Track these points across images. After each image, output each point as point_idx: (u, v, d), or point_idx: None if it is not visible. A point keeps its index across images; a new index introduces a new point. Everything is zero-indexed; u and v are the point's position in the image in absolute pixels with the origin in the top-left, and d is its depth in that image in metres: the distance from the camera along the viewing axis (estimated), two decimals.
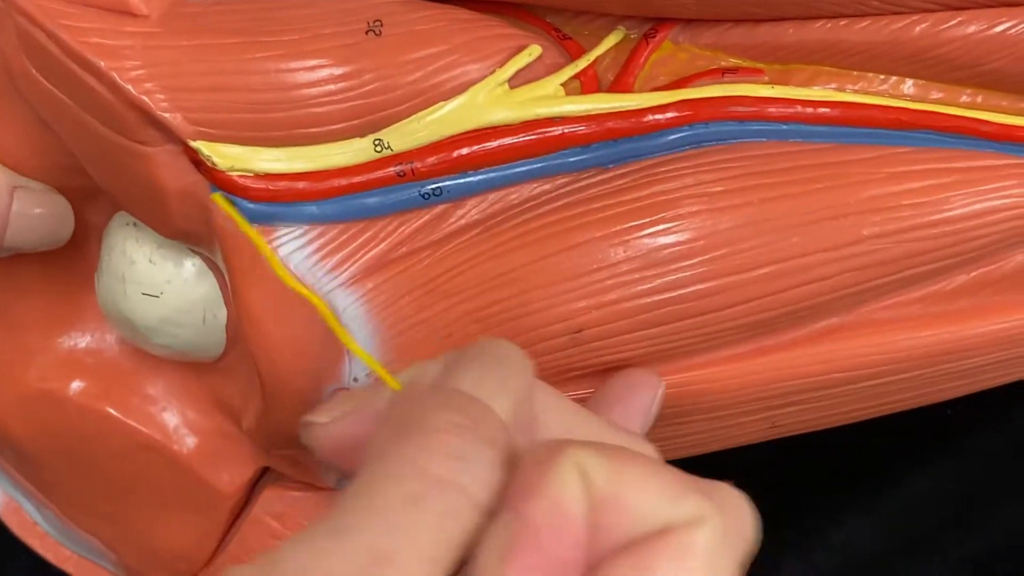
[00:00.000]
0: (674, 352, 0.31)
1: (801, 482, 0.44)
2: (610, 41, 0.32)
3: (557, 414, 0.26)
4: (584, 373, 0.31)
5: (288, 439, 0.34)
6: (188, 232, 0.32)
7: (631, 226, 0.30)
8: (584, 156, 0.31)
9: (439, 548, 0.23)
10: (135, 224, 0.35)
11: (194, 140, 0.30)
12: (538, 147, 0.31)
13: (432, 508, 0.23)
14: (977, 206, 0.31)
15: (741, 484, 0.44)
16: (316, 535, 0.23)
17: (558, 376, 0.31)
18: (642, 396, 0.31)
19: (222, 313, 0.35)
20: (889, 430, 0.43)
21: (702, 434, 0.33)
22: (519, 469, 0.23)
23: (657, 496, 0.23)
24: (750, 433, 0.34)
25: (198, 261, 0.35)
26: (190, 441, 0.39)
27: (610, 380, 0.31)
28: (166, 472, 0.39)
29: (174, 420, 0.39)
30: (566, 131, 0.31)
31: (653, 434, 0.33)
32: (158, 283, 0.35)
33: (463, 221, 0.31)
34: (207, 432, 0.39)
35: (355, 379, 0.31)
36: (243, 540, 0.40)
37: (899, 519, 0.44)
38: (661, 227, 0.30)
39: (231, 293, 0.32)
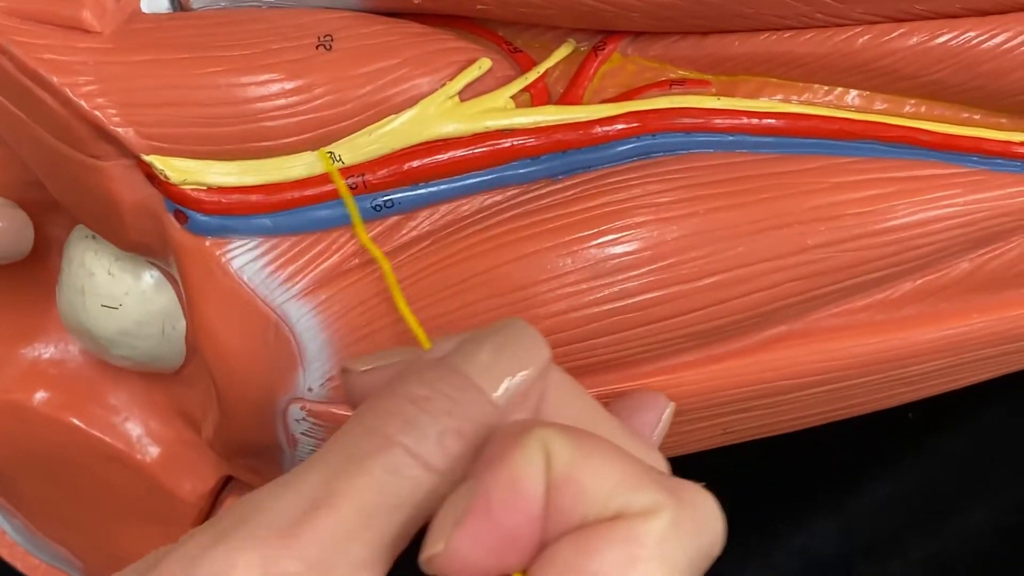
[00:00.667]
0: (625, 361, 0.32)
1: (764, 486, 0.45)
2: (560, 54, 0.33)
3: (568, 403, 0.27)
4: None
5: (246, 449, 0.34)
6: (144, 245, 0.33)
7: (580, 236, 0.31)
8: (534, 168, 0.31)
9: (378, 502, 0.23)
10: (94, 237, 0.35)
11: (147, 154, 0.30)
12: (488, 159, 0.31)
13: (375, 464, 0.24)
14: (920, 215, 0.31)
15: (704, 486, 0.44)
16: (274, 484, 0.24)
17: None
18: (649, 415, 0.31)
19: (181, 324, 0.36)
20: (851, 434, 0.44)
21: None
22: (490, 442, 0.24)
23: (616, 483, 0.23)
24: (704, 439, 0.34)
25: (156, 273, 0.35)
26: (153, 451, 0.39)
27: (618, 400, 0.32)
28: (130, 481, 0.39)
29: (137, 430, 0.39)
30: (515, 143, 0.31)
31: None
32: (117, 295, 0.35)
33: (415, 233, 0.31)
34: (169, 442, 0.39)
35: (309, 389, 0.32)
36: None
37: (861, 522, 0.44)
38: (609, 237, 0.30)
39: (186, 305, 0.32)
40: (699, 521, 0.24)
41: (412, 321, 0.29)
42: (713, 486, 0.44)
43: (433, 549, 0.23)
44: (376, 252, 0.30)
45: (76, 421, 0.39)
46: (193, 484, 0.39)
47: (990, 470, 0.45)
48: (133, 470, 0.39)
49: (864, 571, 0.44)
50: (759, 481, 0.45)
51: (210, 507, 0.40)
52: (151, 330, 0.36)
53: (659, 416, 0.31)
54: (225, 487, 0.40)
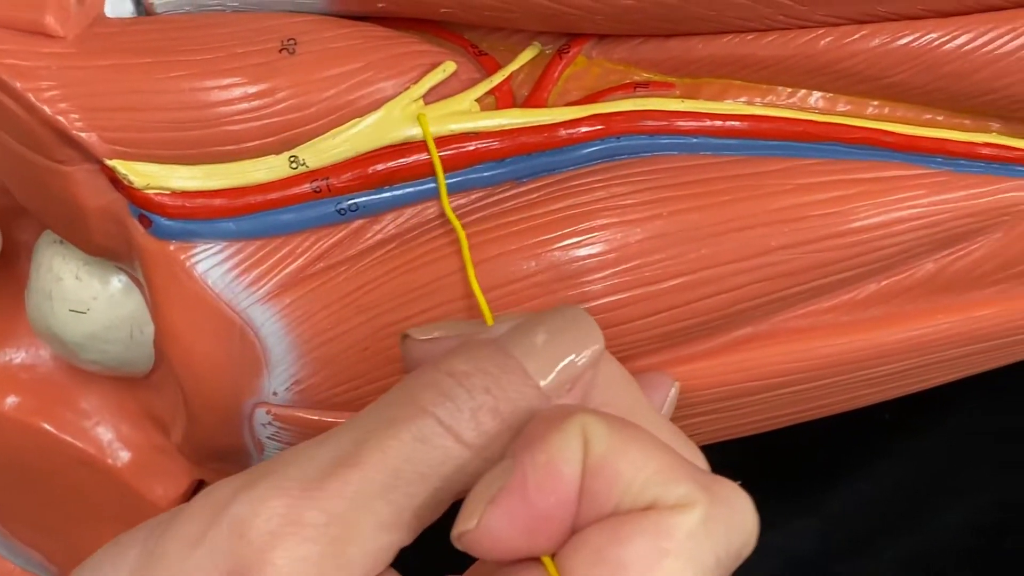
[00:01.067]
0: None
1: (741, 486, 0.45)
2: (525, 56, 0.33)
3: (616, 393, 0.27)
4: None
5: (214, 453, 0.34)
6: (110, 249, 0.33)
7: (544, 239, 0.31)
8: (498, 171, 0.31)
9: (405, 467, 0.24)
10: (62, 242, 0.35)
11: (110, 159, 0.30)
12: (453, 162, 0.31)
13: (406, 430, 0.24)
14: (884, 216, 0.31)
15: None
16: (307, 442, 0.25)
17: None
18: (655, 395, 0.31)
19: (149, 329, 0.36)
20: (828, 435, 0.44)
21: None
22: (529, 424, 0.24)
23: (652, 475, 0.24)
24: None
25: (124, 278, 0.35)
26: (124, 455, 0.39)
27: None
28: (101, 486, 0.39)
29: (108, 435, 0.39)
30: (480, 146, 0.31)
31: None
32: (84, 300, 0.35)
33: (380, 236, 0.31)
34: (141, 446, 0.39)
35: (274, 393, 0.32)
36: None
37: (838, 522, 0.44)
38: (573, 240, 0.31)
39: (152, 311, 0.32)
40: (732, 519, 0.25)
41: (480, 297, 0.29)
42: None
43: (466, 525, 0.23)
44: (456, 224, 0.30)
45: (47, 426, 0.39)
46: (165, 488, 0.39)
47: (966, 469, 0.45)
48: (104, 475, 0.39)
49: (842, 571, 0.44)
50: (734, 479, 0.45)
51: None
52: (119, 334, 0.36)
53: (665, 395, 0.31)
54: (197, 492, 0.40)
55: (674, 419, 0.34)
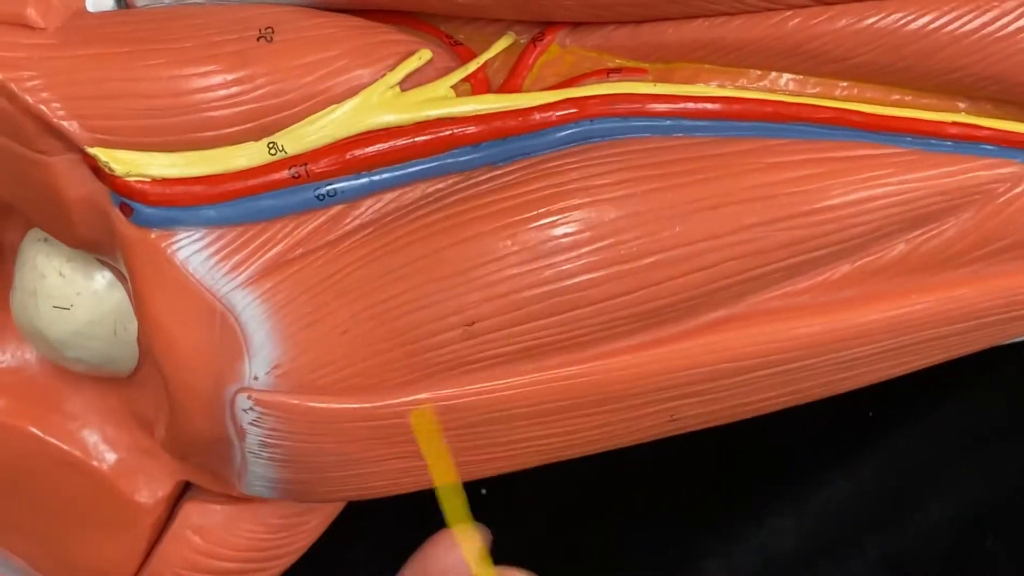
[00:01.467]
0: (567, 343, 0.32)
1: (722, 483, 0.45)
2: (500, 45, 0.33)
3: None
4: (482, 366, 0.32)
5: (197, 444, 0.34)
6: (93, 241, 0.33)
7: (519, 219, 0.31)
8: (475, 155, 0.32)
9: None
10: (46, 240, 0.36)
11: (91, 147, 0.31)
12: (430, 147, 0.32)
13: None
14: (854, 195, 0.32)
15: (663, 486, 0.44)
16: None
17: (456, 369, 0.32)
18: (449, 557, 0.32)
19: (133, 325, 0.36)
20: (810, 432, 0.44)
21: (603, 428, 0.34)
22: None
23: None
24: (650, 427, 0.35)
25: (108, 274, 0.35)
26: (109, 457, 0.39)
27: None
28: (87, 489, 0.39)
29: (94, 437, 0.39)
30: (456, 131, 0.32)
31: (554, 428, 0.34)
32: (68, 296, 0.36)
33: (359, 221, 0.32)
34: (126, 448, 0.39)
35: (255, 377, 0.32)
36: (164, 555, 0.40)
37: (820, 519, 0.44)
38: (548, 220, 0.31)
39: (133, 299, 0.33)
40: None
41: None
42: (674, 485, 0.45)
43: None
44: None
45: (33, 429, 0.39)
46: (151, 490, 0.39)
47: (948, 468, 0.45)
48: (90, 477, 0.39)
49: (824, 569, 0.44)
50: (718, 480, 0.45)
51: (167, 513, 0.40)
52: (103, 330, 0.36)
53: (459, 553, 0.32)
54: (184, 494, 0.40)
55: (652, 403, 0.34)
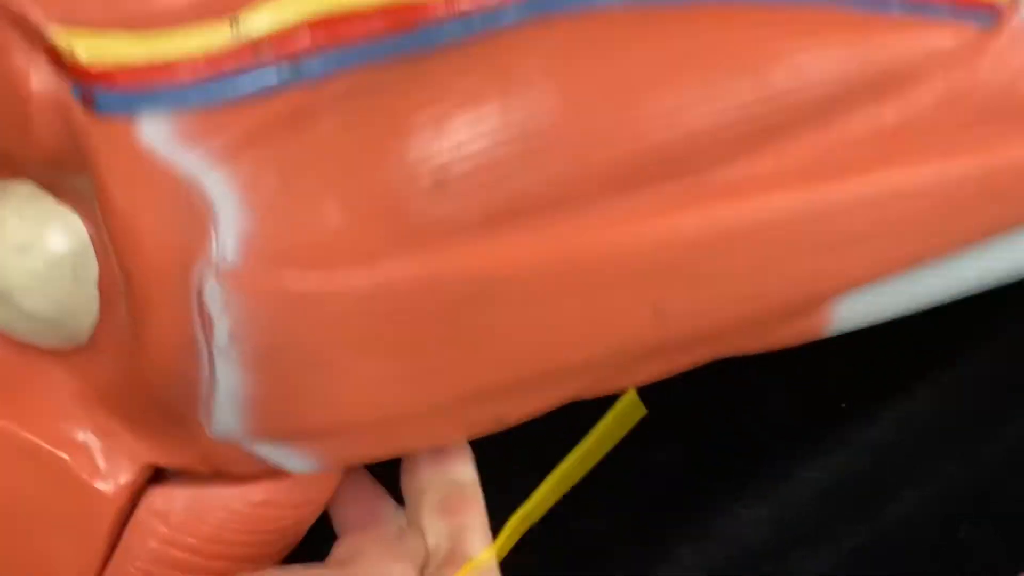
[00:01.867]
0: (541, 204, 0.31)
1: (697, 474, 0.44)
2: None
3: None
4: (462, 227, 0.31)
5: (163, 356, 0.33)
6: (55, 151, 0.32)
7: (490, 92, 0.31)
8: (439, 30, 0.32)
9: None
10: (3, 188, 0.35)
11: (53, 28, 0.30)
12: (395, 25, 0.32)
13: None
14: (804, 56, 0.32)
15: (638, 474, 0.43)
16: None
17: (436, 233, 0.31)
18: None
19: (93, 268, 0.35)
20: (784, 422, 0.44)
21: (578, 324, 0.33)
22: None
23: None
24: (632, 323, 0.33)
25: (69, 213, 0.35)
26: (69, 442, 0.38)
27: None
28: (44, 479, 0.37)
29: (53, 421, 0.38)
30: (420, 4, 0.32)
31: (533, 316, 0.33)
32: (28, 238, 0.35)
33: (326, 97, 0.32)
34: (87, 432, 0.38)
35: (224, 258, 0.31)
36: (127, 547, 0.38)
37: (794, 511, 0.44)
38: (516, 94, 0.31)
39: (96, 192, 0.32)
40: None
41: None
42: (646, 475, 0.44)
43: None
44: None
45: None
46: (113, 476, 0.37)
47: (921, 459, 0.45)
48: (47, 465, 0.37)
49: (797, 560, 0.43)
50: (691, 470, 0.45)
51: (131, 503, 0.38)
52: (62, 272, 0.35)
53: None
54: (150, 483, 0.38)
55: (629, 289, 0.33)
